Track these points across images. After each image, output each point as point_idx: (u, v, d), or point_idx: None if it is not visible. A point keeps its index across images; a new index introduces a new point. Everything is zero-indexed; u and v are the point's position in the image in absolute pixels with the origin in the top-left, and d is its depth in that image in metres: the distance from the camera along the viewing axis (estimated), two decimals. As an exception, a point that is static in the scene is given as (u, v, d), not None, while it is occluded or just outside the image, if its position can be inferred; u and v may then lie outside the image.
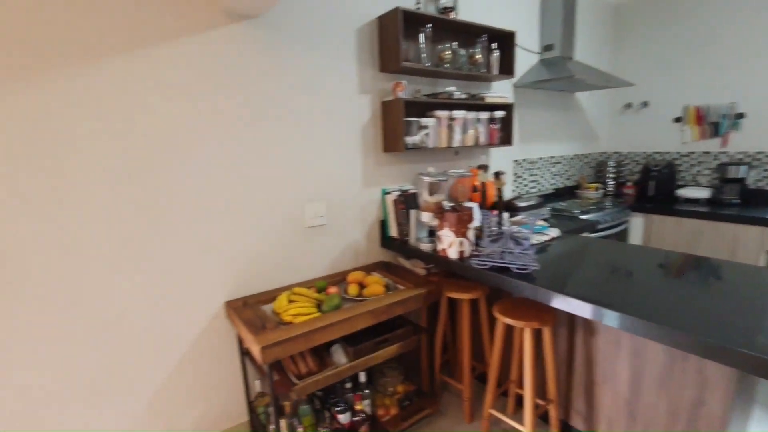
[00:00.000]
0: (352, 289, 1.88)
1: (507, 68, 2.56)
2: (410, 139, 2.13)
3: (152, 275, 1.63)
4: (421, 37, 2.17)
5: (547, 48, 3.01)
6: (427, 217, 1.97)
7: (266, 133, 1.82)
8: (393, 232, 2.23)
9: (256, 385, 1.93)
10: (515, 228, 1.69)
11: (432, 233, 2.11)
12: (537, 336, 1.91)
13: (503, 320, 1.65)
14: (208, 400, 1.85)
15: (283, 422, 1.68)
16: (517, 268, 1.61)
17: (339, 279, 2.05)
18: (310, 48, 1.90)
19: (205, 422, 1.86)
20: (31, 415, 1.46)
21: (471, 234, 1.82)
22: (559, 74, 2.68)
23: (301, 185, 1.97)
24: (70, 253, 1.46)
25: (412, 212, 2.08)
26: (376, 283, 1.92)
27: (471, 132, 2.39)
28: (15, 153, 1.33)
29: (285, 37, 1.82)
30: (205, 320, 1.78)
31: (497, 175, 1.91)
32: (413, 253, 2.10)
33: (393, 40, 2.02)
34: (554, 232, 2.12)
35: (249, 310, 1.70)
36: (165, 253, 1.65)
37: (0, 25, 1.27)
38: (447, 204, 1.90)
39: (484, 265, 1.69)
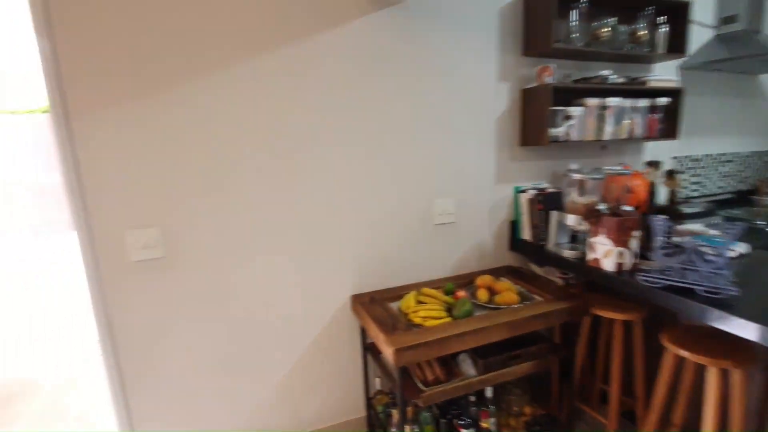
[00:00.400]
0: (482, 295, 1.72)
1: (676, 46, 2.13)
2: (554, 131, 1.87)
3: (288, 264, 1.67)
4: (573, 14, 1.89)
5: (727, 20, 2.44)
6: (573, 220, 1.71)
7: (400, 124, 1.75)
8: (525, 234, 2.01)
9: (376, 383, 1.89)
10: (700, 240, 1.36)
11: (575, 238, 1.84)
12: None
13: (678, 353, 1.34)
14: (329, 391, 1.86)
15: (407, 428, 1.60)
16: (706, 291, 1.28)
17: (465, 281, 1.90)
18: (450, 33, 1.76)
19: (324, 412, 1.87)
20: (178, 385, 1.60)
21: (634, 244, 1.52)
22: (750, 51, 2.15)
23: (431, 180, 1.86)
24: (219, 238, 1.55)
25: (553, 214, 1.84)
26: (508, 290, 1.73)
27: (626, 123, 2.03)
28: (183, 134, 1.45)
29: (425, 23, 1.71)
30: (332, 312, 1.79)
31: (670, 174, 1.57)
32: (549, 260, 1.86)
33: (542, 18, 1.79)
34: (742, 248, 1.69)
35: (377, 307, 1.65)
36: (300, 243, 1.68)
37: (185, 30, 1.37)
38: (603, 207, 1.62)
39: (655, 282, 1.39)
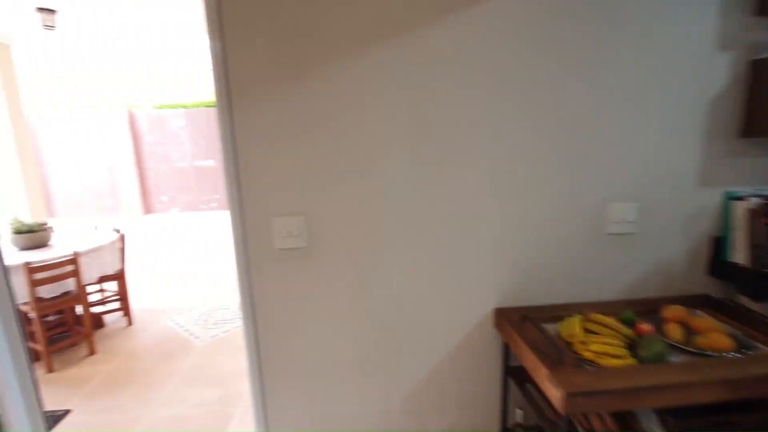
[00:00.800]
0: (674, 332, 1.31)
1: None
2: (804, 118, 1.34)
3: (429, 265, 1.50)
4: None
5: None
6: (838, 245, 1.19)
7: (571, 109, 1.42)
8: (738, 256, 1.50)
9: (517, 414, 1.62)
10: None
11: (829, 271, 1.30)
12: None
13: None
14: (461, 411, 1.65)
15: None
16: None
17: (643, 309, 1.49)
18: (651, -11, 1.36)
19: (454, 432, 1.67)
20: (309, 377, 1.55)
21: None
22: None
23: (608, 179, 1.49)
24: (360, 232, 1.44)
25: (796, 233, 1.32)
26: (714, 330, 1.30)
27: None
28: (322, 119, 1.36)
29: (618, -23, 1.35)
30: (472, 324, 1.56)
31: None
32: (780, 296, 1.35)
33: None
34: None
35: (531, 329, 1.37)
36: (444, 242, 1.48)
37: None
38: None
39: None
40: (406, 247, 1.47)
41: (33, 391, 1.77)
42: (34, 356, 2.99)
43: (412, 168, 1.41)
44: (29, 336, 2.96)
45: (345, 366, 1.57)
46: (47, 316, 3.11)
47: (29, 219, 4.15)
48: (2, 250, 1.87)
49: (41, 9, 3.23)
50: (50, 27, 3.36)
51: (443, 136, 1.40)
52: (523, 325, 1.41)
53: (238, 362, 2.82)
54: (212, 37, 1.27)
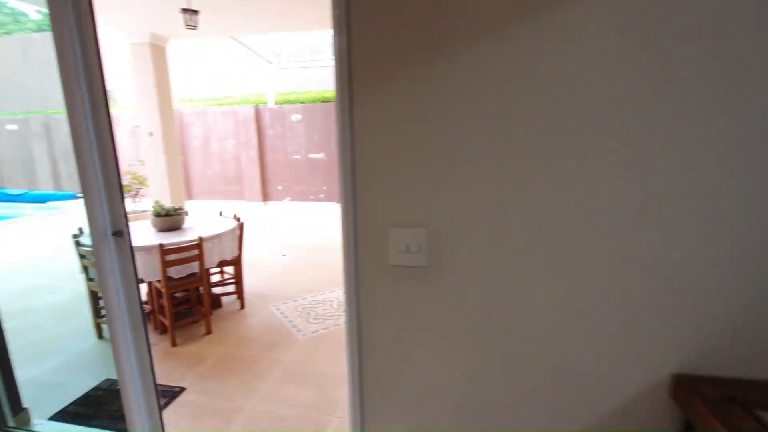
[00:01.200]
0: None
1: None
2: None
3: (579, 302, 1.15)
4: None
5: None
6: None
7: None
8: None
9: None
10: None
11: None
12: None
13: None
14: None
15: None
16: None
17: None
18: None
19: None
20: (412, 418, 1.32)
21: None
22: None
23: None
24: (492, 254, 1.16)
25: None
26: None
27: None
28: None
29: None
30: (636, 388, 1.17)
31: None
32: None
33: None
34: None
35: (742, 417, 0.95)
36: (599, 276, 1.12)
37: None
38: None
39: None
40: (551, 277, 1.14)
41: (150, 370, 1.86)
42: (161, 329, 3.31)
43: (566, 177, 1.07)
44: (159, 309, 3.27)
45: (458, 408, 1.30)
46: (175, 293, 3.41)
47: (169, 203, 4.67)
48: (134, 234, 2.00)
49: (185, 10, 3.54)
50: (192, 27, 3.68)
51: (611, 134, 1.03)
52: (728, 409, 0.98)
53: (335, 365, 2.75)
54: (338, 32, 1.13)
